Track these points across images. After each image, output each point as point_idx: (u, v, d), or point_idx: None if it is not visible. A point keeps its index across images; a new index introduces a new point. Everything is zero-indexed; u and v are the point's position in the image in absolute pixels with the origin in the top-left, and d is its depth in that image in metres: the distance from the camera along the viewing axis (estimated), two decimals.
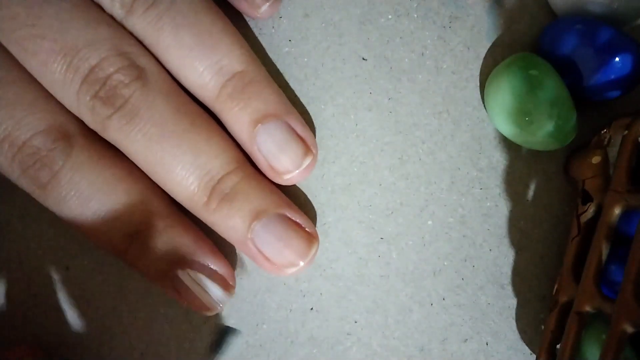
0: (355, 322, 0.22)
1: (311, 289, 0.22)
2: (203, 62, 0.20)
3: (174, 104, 0.20)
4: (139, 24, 0.20)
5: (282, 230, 0.20)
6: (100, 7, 0.20)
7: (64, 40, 0.19)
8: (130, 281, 0.22)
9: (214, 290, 0.21)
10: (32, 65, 0.19)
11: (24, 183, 0.20)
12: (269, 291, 0.22)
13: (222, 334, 0.22)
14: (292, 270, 0.21)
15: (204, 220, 0.21)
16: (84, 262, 0.22)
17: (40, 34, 0.19)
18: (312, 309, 0.22)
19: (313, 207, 0.22)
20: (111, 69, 0.19)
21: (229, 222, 0.20)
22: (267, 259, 0.20)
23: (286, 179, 0.21)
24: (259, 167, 0.21)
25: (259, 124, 0.20)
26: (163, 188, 0.20)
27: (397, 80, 0.23)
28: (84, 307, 0.22)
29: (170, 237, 0.20)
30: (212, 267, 0.21)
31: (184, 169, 0.20)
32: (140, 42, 0.20)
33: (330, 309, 0.22)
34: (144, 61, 0.20)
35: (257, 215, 0.20)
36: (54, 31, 0.19)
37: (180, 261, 0.20)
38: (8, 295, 0.22)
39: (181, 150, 0.19)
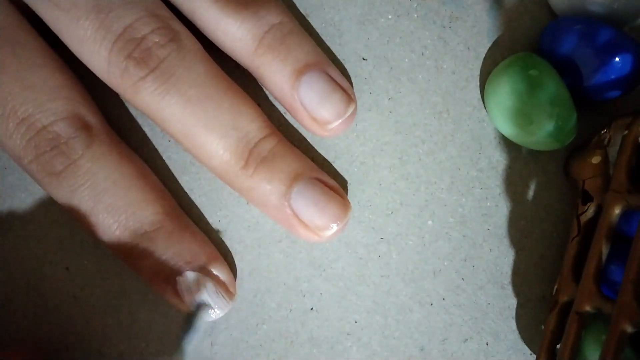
0: (355, 322, 0.22)
1: (311, 289, 0.22)
2: (241, 13, 0.20)
3: (209, 67, 0.20)
4: None
5: (319, 193, 0.20)
6: None
7: None
8: (130, 281, 0.22)
9: (214, 296, 0.21)
10: (63, 22, 0.19)
11: (34, 169, 0.19)
12: (269, 291, 0.22)
13: (192, 311, 0.21)
14: (327, 234, 0.21)
15: (237, 187, 0.21)
16: (84, 262, 0.22)
17: None
18: (312, 309, 0.22)
19: None
20: (146, 30, 0.19)
21: (267, 186, 0.20)
22: (302, 222, 0.20)
23: (329, 130, 0.21)
24: (299, 121, 0.21)
25: (301, 75, 0.20)
26: (194, 154, 0.20)
27: (397, 80, 0.23)
28: (84, 307, 0.22)
29: (177, 240, 0.20)
30: (215, 272, 0.21)
31: (222, 132, 0.19)
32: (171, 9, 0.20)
33: (330, 309, 0.22)
34: (177, 25, 0.19)
35: (295, 178, 0.20)
36: None
37: (185, 265, 0.20)
38: (8, 295, 0.22)
39: (220, 111, 0.19)
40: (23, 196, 0.22)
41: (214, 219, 0.22)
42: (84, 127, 0.19)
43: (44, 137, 0.19)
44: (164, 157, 0.22)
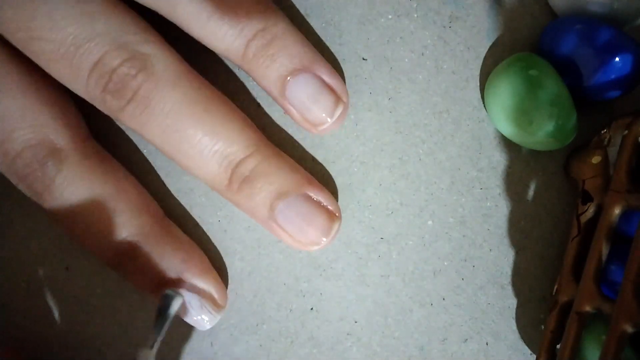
0: (355, 322, 0.22)
1: (311, 289, 0.22)
2: (225, 24, 0.20)
3: (185, 90, 0.20)
4: None
5: (304, 210, 0.21)
6: None
7: (62, 39, 0.19)
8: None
9: (199, 311, 0.21)
10: (40, 63, 0.19)
11: (22, 188, 0.20)
12: (269, 291, 0.22)
13: (165, 300, 0.21)
14: (316, 247, 0.21)
15: (227, 200, 0.21)
16: (84, 262, 0.22)
17: (37, 35, 0.18)
18: (312, 309, 0.22)
19: None
20: (114, 62, 0.19)
21: (251, 204, 0.20)
22: (290, 236, 0.21)
23: (321, 130, 0.21)
24: (294, 120, 0.21)
25: (287, 81, 0.20)
26: (186, 171, 0.21)
27: (397, 80, 0.23)
28: (84, 307, 0.22)
29: (159, 257, 0.21)
30: (200, 286, 0.21)
31: (203, 156, 0.20)
32: (147, 24, 0.20)
33: (330, 309, 0.22)
34: (148, 49, 0.19)
35: (278, 196, 0.20)
36: (48, 31, 0.18)
37: (169, 281, 0.21)
38: (8, 295, 0.22)
39: (197, 138, 0.20)
40: (23, 196, 0.22)
41: (214, 219, 0.22)
42: (51, 153, 0.20)
43: (18, 163, 0.19)
44: (163, 158, 0.22)
